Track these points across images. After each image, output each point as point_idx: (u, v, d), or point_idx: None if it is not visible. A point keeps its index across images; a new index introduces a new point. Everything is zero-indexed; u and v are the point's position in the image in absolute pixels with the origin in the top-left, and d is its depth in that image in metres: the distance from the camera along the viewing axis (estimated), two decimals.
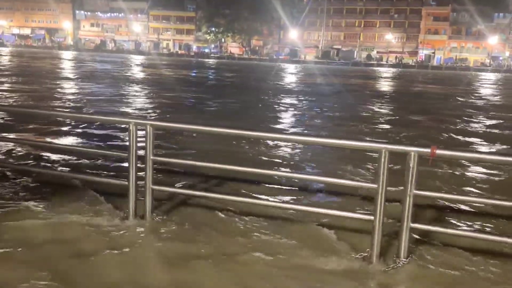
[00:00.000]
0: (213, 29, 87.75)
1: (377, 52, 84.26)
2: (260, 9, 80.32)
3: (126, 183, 4.31)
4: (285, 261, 3.66)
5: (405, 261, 3.63)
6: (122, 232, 4.08)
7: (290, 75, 39.08)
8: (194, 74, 36.08)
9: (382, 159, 3.59)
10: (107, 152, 6.67)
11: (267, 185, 5.67)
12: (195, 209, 4.70)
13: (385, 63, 77.27)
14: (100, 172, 6.07)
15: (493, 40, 76.05)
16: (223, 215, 4.56)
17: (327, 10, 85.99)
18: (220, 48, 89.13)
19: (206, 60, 71.50)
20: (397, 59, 79.34)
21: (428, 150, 3.49)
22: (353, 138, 7.72)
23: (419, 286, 3.38)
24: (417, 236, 4.14)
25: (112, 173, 6.00)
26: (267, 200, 4.85)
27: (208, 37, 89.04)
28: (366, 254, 3.75)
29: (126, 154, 4.29)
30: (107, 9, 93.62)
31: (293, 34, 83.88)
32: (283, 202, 5.02)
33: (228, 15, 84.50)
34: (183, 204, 4.82)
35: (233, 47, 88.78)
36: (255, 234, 4.17)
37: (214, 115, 13.16)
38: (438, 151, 3.47)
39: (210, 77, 33.75)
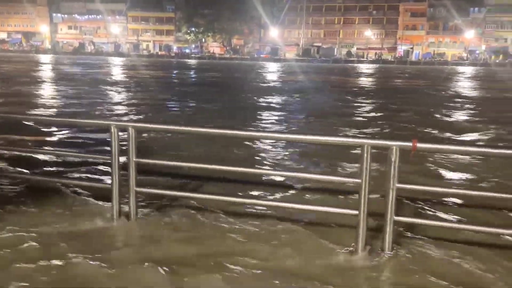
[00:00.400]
0: (193, 29, 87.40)
1: (357, 49, 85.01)
2: (240, 9, 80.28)
3: (110, 186, 4.27)
4: (271, 259, 3.67)
5: (390, 254, 3.68)
6: (106, 235, 4.04)
7: (272, 74, 39.15)
8: (174, 75, 35.88)
9: (365, 154, 3.62)
10: (89, 155, 6.60)
11: (250, 183, 5.65)
12: (180, 210, 4.67)
13: (365, 59, 78.02)
14: (83, 175, 6.00)
15: (469, 34, 77.39)
16: (207, 215, 4.54)
17: (307, 8, 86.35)
18: (201, 48, 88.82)
19: (187, 60, 71.16)
20: (377, 55, 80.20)
21: (410, 144, 3.54)
22: (336, 135, 7.79)
23: (403, 278, 3.42)
24: (402, 229, 4.20)
25: (95, 176, 5.94)
26: (251, 198, 4.85)
27: (188, 37, 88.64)
28: (351, 249, 3.78)
29: (108, 157, 4.25)
30: (85, 11, 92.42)
31: (274, 33, 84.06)
32: (267, 200, 5.03)
33: (208, 15, 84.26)
34: (167, 205, 4.79)
35: (214, 47, 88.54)
36: (241, 233, 4.16)
37: (195, 116, 13.11)
38: (419, 145, 3.53)
39: (191, 77, 33.60)
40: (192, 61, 67.81)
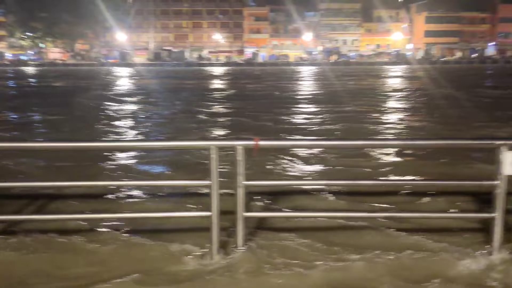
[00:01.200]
0: (29, 34, 79.65)
1: (208, 52, 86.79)
2: (82, 12, 75.50)
3: None
4: (126, 272, 3.54)
5: (243, 249, 3.82)
6: None
7: (122, 79, 37.75)
8: (12, 85, 32.30)
9: (213, 155, 3.70)
10: None
11: (100, 197, 5.36)
12: (20, 236, 4.20)
13: (216, 62, 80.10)
14: None
15: (307, 36, 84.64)
16: (53, 237, 4.16)
17: (154, 12, 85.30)
18: (41, 54, 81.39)
19: (24, 68, 64.55)
20: (227, 58, 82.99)
21: (252, 142, 3.73)
22: (183, 139, 7.76)
23: (254, 271, 3.57)
24: (256, 224, 4.39)
25: None
26: (97, 213, 4.57)
27: (24, 43, 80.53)
28: (207, 250, 3.83)
29: None
30: None
31: (121, 37, 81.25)
32: (118, 212, 4.82)
33: (46, 19, 77.53)
34: (3, 233, 4.26)
35: (56, 53, 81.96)
36: (92, 251, 3.92)
37: (39, 129, 11.98)
38: (261, 142, 3.73)
39: (31, 87, 30.57)
40: (31, 69, 61.75)
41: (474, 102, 17.45)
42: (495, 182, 3.65)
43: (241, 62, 79.35)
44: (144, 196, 5.47)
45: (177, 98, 20.73)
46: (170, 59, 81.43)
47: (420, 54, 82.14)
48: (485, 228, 3.93)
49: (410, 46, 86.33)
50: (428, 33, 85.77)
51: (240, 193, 3.77)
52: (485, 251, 3.79)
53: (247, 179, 3.79)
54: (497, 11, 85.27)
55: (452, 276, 3.50)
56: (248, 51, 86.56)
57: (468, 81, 31.61)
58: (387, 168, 6.87)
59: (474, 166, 6.72)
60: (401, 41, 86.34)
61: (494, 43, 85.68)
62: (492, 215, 3.71)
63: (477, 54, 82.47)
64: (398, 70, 53.96)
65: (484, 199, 3.74)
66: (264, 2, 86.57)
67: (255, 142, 3.71)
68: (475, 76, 38.31)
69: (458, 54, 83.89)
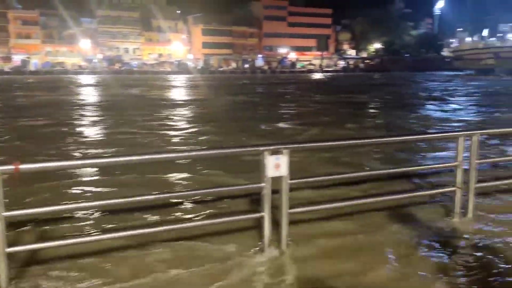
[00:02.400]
0: None
1: None
2: None
3: None
4: None
5: None
6: None
7: None
8: None
9: None
10: None
11: None
12: None
13: None
14: None
15: (84, 43, 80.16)
16: None
17: None
18: None
19: None
20: None
21: (12, 167, 3.27)
22: None
23: None
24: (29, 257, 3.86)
25: None
26: None
27: None
28: None
29: None
30: None
31: None
32: None
33: None
34: None
35: None
36: None
37: None
38: (22, 166, 3.30)
39: None
40: None
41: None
42: (262, 185, 4.02)
43: (9, 70, 70.25)
44: None
45: None
46: None
47: (200, 64, 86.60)
48: (258, 226, 4.29)
49: (190, 56, 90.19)
50: (206, 45, 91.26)
51: None
52: (258, 248, 4.15)
53: (10, 209, 3.31)
54: (262, 27, 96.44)
55: (231, 278, 3.71)
56: (17, 58, 77.27)
57: (243, 90, 34.74)
58: (176, 180, 6.96)
59: None
60: (182, 51, 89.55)
61: (261, 55, 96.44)
62: (261, 214, 4.08)
63: (249, 65, 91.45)
64: (180, 79, 55.78)
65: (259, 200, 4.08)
66: (33, 5, 78.46)
67: (15, 166, 3.26)
68: (250, 85, 42.39)
69: (233, 65, 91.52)
